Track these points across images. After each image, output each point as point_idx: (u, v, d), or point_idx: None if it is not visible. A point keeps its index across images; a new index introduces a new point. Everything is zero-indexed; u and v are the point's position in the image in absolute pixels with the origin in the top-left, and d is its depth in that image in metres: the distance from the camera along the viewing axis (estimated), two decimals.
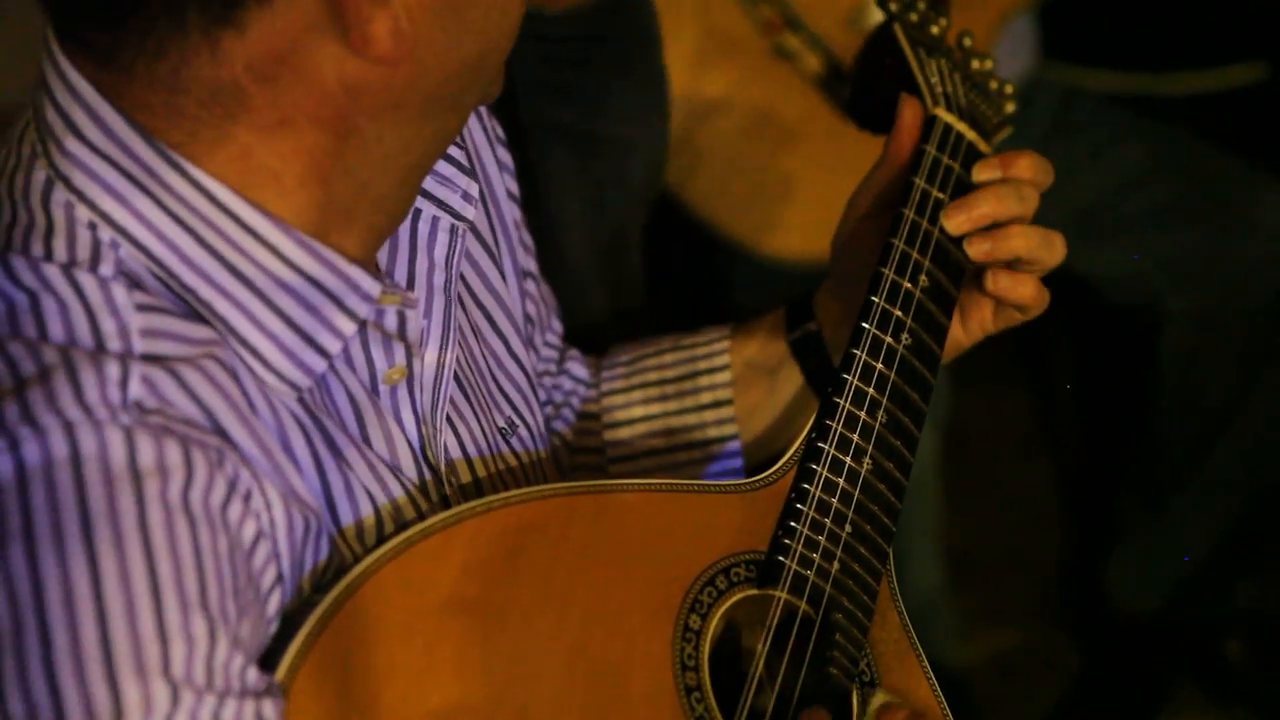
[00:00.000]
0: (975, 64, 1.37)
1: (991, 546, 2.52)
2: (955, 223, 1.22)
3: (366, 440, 1.04)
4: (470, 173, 1.12)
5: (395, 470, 1.05)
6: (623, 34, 1.62)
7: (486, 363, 1.19)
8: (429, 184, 1.10)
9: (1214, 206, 2.24)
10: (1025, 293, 1.23)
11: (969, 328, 1.28)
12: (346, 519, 1.01)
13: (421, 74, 0.96)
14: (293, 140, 0.95)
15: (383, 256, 1.09)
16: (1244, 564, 2.36)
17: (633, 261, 1.80)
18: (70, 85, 0.95)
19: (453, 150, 1.11)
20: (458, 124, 1.05)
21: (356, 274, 1.00)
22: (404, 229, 1.10)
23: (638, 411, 1.38)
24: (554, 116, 1.62)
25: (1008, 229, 1.22)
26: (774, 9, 2.08)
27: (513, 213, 1.27)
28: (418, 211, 1.11)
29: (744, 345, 1.36)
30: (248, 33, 0.91)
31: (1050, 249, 1.23)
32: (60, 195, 0.96)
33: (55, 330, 0.92)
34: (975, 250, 1.22)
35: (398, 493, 1.05)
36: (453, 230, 1.11)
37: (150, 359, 0.92)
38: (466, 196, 1.11)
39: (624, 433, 1.38)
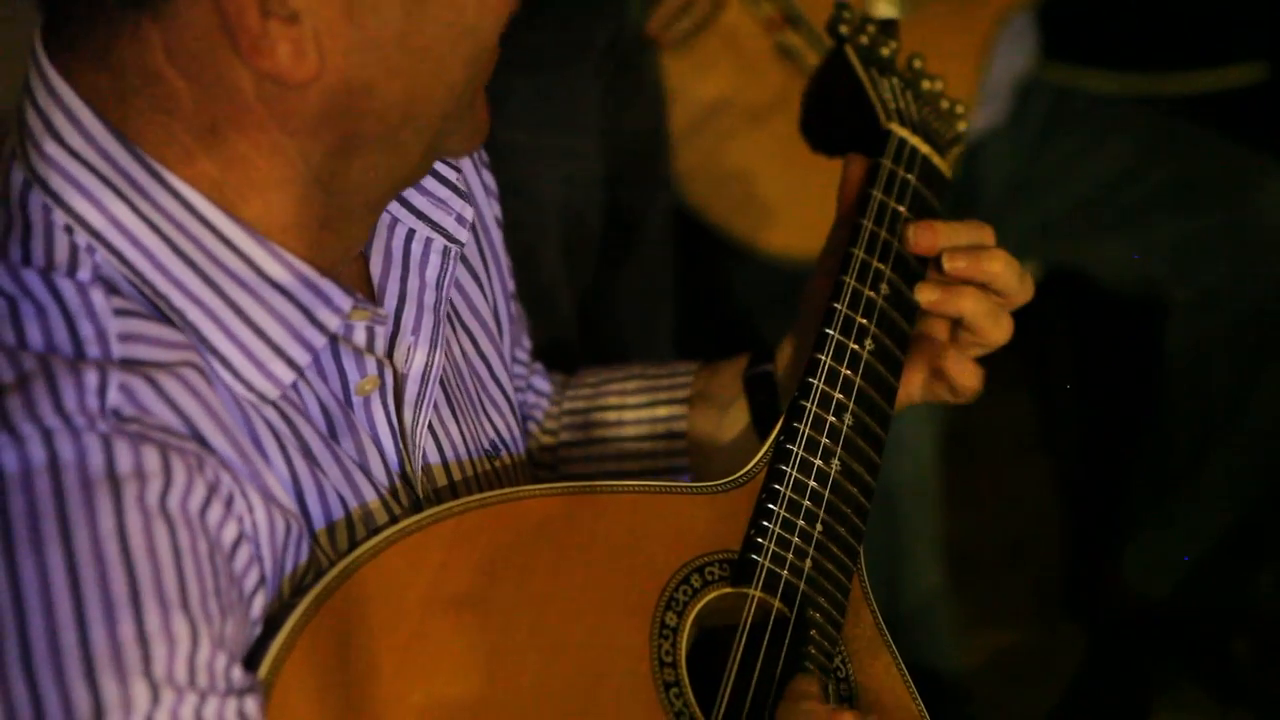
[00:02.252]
0: (926, 84, 1.38)
1: (991, 546, 2.51)
2: (921, 240, 1.22)
3: (339, 447, 1.05)
4: (466, 196, 1.12)
5: (368, 476, 1.06)
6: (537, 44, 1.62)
7: (474, 384, 1.20)
8: (423, 205, 1.11)
9: (1215, 192, 2.23)
10: (958, 372, 1.23)
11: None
12: (320, 523, 1.02)
13: (335, 103, 0.96)
14: (227, 149, 0.96)
15: (376, 273, 1.10)
16: (1258, 553, 2.34)
17: (555, 274, 1.79)
18: (51, 88, 0.97)
19: (448, 173, 1.12)
20: (400, 164, 1.03)
21: (328, 287, 1.00)
22: (398, 248, 1.11)
23: (595, 433, 1.39)
24: None
25: (960, 288, 1.21)
26: (776, 6, 2.07)
27: (500, 237, 1.27)
28: (411, 232, 1.11)
29: (706, 379, 1.36)
30: (162, 19, 0.93)
31: (996, 324, 1.22)
32: (37, 198, 0.97)
33: (34, 336, 0.93)
34: (924, 296, 1.22)
35: (370, 497, 1.05)
36: (445, 252, 1.12)
37: (128, 364, 0.93)
38: (460, 220, 1.12)
39: (577, 452, 1.39)
